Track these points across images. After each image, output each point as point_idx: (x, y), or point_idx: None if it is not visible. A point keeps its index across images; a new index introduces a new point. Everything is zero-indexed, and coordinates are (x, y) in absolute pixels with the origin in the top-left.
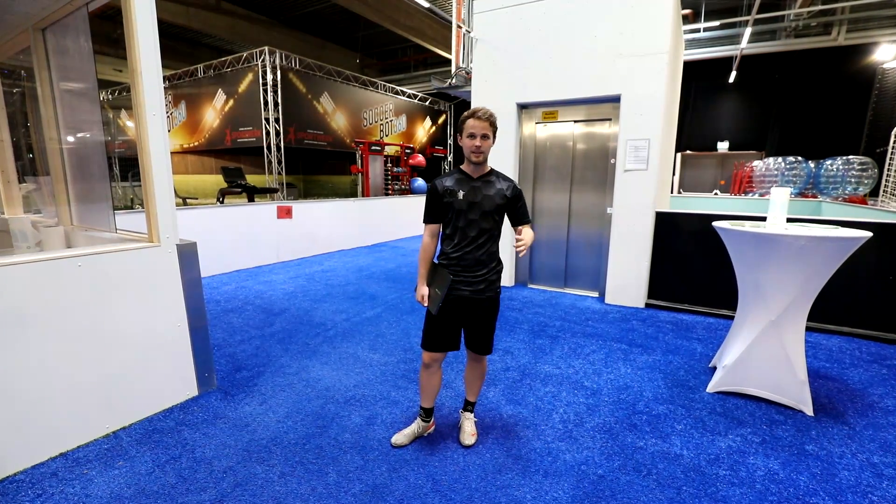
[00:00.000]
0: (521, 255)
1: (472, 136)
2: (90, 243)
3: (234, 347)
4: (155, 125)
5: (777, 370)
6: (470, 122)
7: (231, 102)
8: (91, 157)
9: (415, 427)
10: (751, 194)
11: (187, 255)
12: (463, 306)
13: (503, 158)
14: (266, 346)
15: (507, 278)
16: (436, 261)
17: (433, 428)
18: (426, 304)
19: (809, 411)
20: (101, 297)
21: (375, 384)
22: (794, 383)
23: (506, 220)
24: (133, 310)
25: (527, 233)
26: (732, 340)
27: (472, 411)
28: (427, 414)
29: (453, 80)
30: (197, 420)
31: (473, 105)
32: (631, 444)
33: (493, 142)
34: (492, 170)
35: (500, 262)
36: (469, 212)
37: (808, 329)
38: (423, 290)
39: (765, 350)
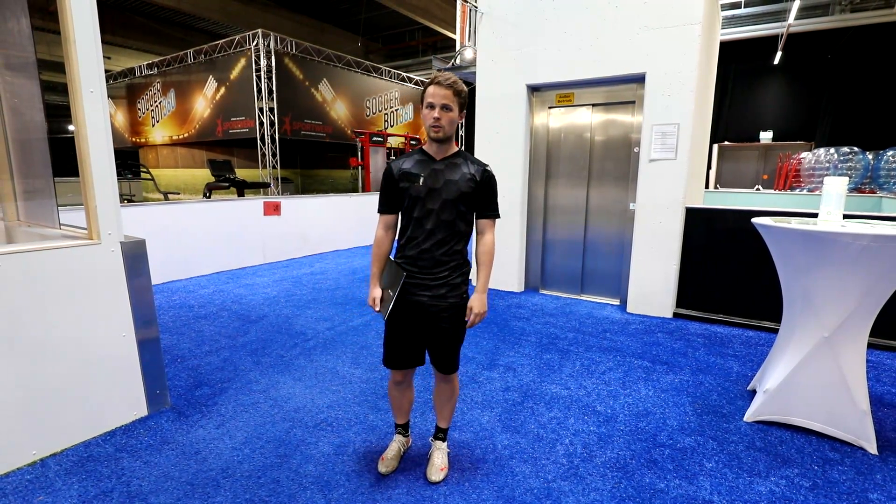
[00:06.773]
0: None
1: (430, 106)
2: (29, 240)
3: (199, 359)
4: (93, 104)
5: (831, 397)
6: (430, 89)
7: (222, 90)
8: (33, 146)
9: (397, 445)
10: (798, 190)
11: (134, 254)
12: (422, 315)
13: (512, 149)
14: (235, 357)
15: (515, 283)
16: (392, 258)
17: (410, 443)
18: (378, 309)
19: (873, 449)
20: (28, 301)
21: (352, 405)
22: (853, 413)
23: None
24: (67, 317)
25: (477, 304)
26: (776, 359)
27: (444, 439)
28: (404, 429)
29: (456, 61)
30: (140, 445)
31: (478, 89)
32: (649, 486)
33: (461, 116)
34: (460, 150)
35: (467, 263)
36: (427, 200)
37: (869, 346)
38: (375, 293)
39: (816, 372)
